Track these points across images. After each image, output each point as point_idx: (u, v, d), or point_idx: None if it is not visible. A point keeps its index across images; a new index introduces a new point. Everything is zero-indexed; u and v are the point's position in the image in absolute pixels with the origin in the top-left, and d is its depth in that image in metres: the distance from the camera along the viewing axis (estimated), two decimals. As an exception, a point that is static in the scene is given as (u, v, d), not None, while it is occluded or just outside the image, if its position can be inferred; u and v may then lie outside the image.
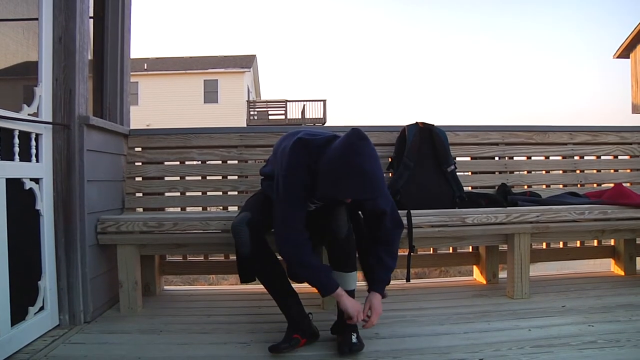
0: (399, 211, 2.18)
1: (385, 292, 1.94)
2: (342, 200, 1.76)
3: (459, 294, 2.57)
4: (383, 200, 1.89)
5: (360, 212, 2.00)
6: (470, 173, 2.84)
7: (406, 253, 2.32)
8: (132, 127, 2.80)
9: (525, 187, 2.84)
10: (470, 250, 2.95)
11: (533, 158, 2.90)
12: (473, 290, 2.65)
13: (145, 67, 21.30)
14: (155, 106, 20.49)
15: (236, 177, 2.74)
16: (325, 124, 19.50)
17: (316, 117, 20.31)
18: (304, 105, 20.68)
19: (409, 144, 2.60)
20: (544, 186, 2.86)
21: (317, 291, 1.83)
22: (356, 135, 1.68)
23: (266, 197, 1.98)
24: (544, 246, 3.02)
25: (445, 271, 4.83)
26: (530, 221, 2.38)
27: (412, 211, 2.29)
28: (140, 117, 15.86)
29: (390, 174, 2.73)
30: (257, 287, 2.67)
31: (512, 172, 2.83)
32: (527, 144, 2.87)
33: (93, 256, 2.20)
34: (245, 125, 19.87)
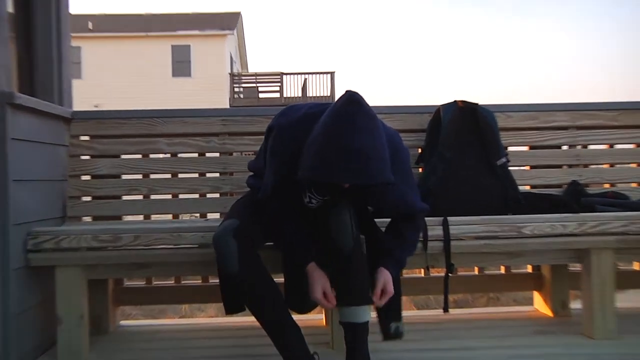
0: (431, 218, 2.21)
1: (402, 327, 1.98)
2: (333, 189, 1.81)
3: (515, 329, 2.58)
4: (397, 189, 1.93)
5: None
6: (528, 167, 2.84)
7: (442, 274, 2.33)
8: (75, 108, 2.83)
9: (606, 186, 2.83)
10: (530, 270, 2.95)
11: (617, 146, 2.89)
12: (535, 325, 2.66)
13: (91, 27, 21.34)
14: (105, 80, 20.57)
15: (217, 175, 2.75)
16: (335, 104, 19.49)
17: (321, 94, 20.35)
18: (305, 79, 20.73)
19: (445, 129, 2.61)
20: (633, 184, 2.85)
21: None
22: (345, 100, 1.71)
23: (258, 200, 2.00)
24: (637, 267, 2.99)
25: (495, 299, 4.82)
26: (614, 232, 2.36)
27: (449, 218, 2.30)
28: (85, 94, 15.88)
29: (420, 170, 2.73)
30: (247, 319, 2.68)
31: (586, 166, 2.83)
32: (609, 128, 2.87)
33: (20, 283, 2.19)
34: (228, 107, 19.93)
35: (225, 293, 2.00)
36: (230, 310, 2.02)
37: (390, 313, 2.01)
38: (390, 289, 1.94)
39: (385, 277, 1.94)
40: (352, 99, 1.72)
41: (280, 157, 1.91)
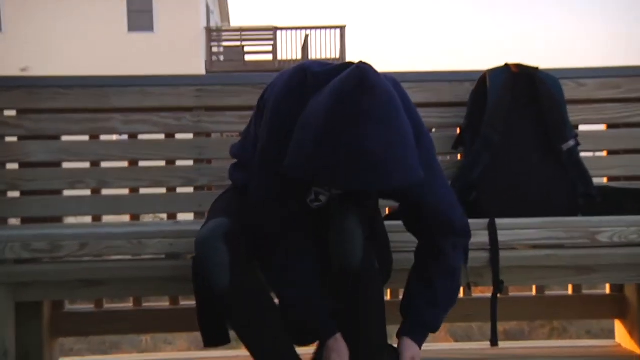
0: (474, 220, 2.22)
1: None
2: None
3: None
4: (428, 194, 1.95)
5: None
6: (605, 153, 2.85)
7: (489, 295, 2.35)
8: (-2, 71, 2.86)
9: None
10: (607, 291, 2.96)
11: None
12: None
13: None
14: (35, 35, 20.48)
15: (191, 163, 2.78)
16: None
17: (328, 56, 20.33)
18: (307, 35, 20.71)
19: (492, 102, 2.62)
20: None
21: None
22: (355, 80, 1.69)
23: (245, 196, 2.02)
24: None
25: (561, 329, 4.83)
26: None
27: (498, 221, 2.31)
28: (7, 54, 15.73)
29: (458, 156, 2.74)
30: (230, 352, 2.71)
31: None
32: None
33: None
34: (204, 73, 19.94)
35: (205, 318, 2.02)
36: (210, 342, 2.04)
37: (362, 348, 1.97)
38: None
39: (412, 353, 1.96)
40: (363, 83, 1.68)
41: (277, 141, 1.91)
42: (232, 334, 2.02)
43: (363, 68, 1.70)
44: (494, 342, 2.35)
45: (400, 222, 2.15)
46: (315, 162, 1.70)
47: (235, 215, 1.97)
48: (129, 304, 2.89)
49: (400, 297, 2.11)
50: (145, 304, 2.90)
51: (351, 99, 1.67)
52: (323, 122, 1.70)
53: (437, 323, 2.05)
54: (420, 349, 2.00)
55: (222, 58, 21.17)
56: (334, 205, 1.94)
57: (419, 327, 2.01)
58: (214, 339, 2.04)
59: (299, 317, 1.96)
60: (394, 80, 1.93)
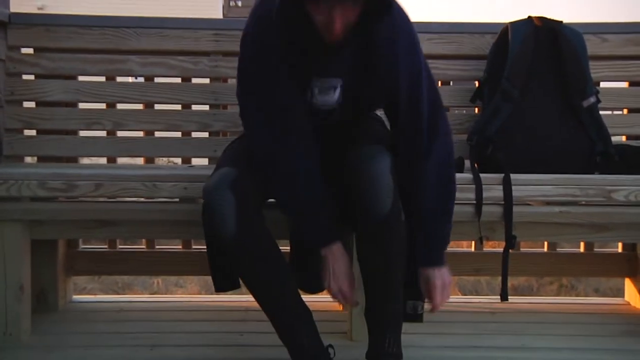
0: (489, 175, 2.22)
1: (421, 307, 2.03)
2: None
3: (597, 328, 2.61)
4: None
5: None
6: (625, 111, 2.84)
7: (500, 249, 2.35)
8: (13, 8, 2.82)
9: None
10: (620, 249, 2.97)
11: None
12: (625, 323, 2.68)
13: None
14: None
15: (207, 108, 2.79)
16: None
17: None
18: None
19: (513, 56, 2.59)
20: None
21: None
22: None
23: None
24: None
25: (570, 287, 4.84)
26: None
27: (513, 176, 2.30)
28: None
29: (476, 110, 2.73)
30: (240, 298, 2.74)
31: None
32: None
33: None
34: (221, 17, 19.77)
35: (214, 264, 2.04)
36: (221, 287, 2.06)
37: (407, 288, 2.04)
38: (448, 289, 1.98)
39: (437, 275, 1.96)
40: None
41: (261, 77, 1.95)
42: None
43: None
44: (504, 297, 2.36)
45: None
46: None
47: (244, 164, 1.97)
48: (141, 246, 2.92)
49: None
50: (158, 247, 2.93)
51: None
52: None
53: (448, 234, 2.02)
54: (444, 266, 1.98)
55: (239, 3, 20.95)
56: (362, 147, 1.93)
57: (436, 247, 1.99)
58: (224, 284, 2.06)
59: (298, 221, 2.01)
60: None
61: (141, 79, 2.82)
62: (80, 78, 2.77)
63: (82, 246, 2.91)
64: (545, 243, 2.94)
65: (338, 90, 1.99)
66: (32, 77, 2.75)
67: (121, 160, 2.90)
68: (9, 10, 2.75)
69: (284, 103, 1.96)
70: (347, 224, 1.99)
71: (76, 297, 3.01)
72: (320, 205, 1.94)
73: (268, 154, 1.96)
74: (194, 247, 2.87)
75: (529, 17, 2.66)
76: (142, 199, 2.34)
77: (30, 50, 2.76)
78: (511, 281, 3.69)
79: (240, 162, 1.99)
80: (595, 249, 2.98)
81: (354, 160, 1.90)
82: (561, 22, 2.66)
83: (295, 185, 1.95)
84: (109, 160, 2.87)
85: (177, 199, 2.32)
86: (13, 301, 2.33)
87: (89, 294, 3.89)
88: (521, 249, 2.93)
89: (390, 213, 1.88)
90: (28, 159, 2.78)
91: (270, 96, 1.95)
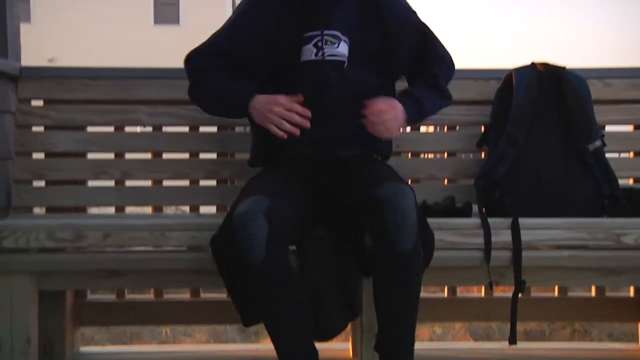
0: (497, 219, 2.25)
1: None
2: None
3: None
4: None
5: None
6: (631, 155, 2.83)
7: (509, 294, 2.34)
8: (24, 62, 2.86)
9: None
10: (632, 294, 2.94)
11: None
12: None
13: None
14: (63, 25, 20.59)
15: (214, 156, 2.79)
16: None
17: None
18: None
19: (518, 101, 2.60)
20: None
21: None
22: None
23: (285, 176, 2.11)
24: None
25: (582, 331, 4.80)
26: None
27: (521, 220, 2.31)
28: (36, 44, 15.87)
29: (482, 155, 2.73)
30: (248, 347, 2.72)
31: None
32: None
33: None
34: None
35: (240, 293, 2.06)
36: (248, 320, 2.08)
37: (395, 332, 2.02)
38: (386, 107, 2.14)
39: (395, 108, 2.18)
40: None
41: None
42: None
43: None
44: (512, 341, 2.35)
45: None
46: None
47: (277, 195, 2.01)
48: (149, 295, 2.91)
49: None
50: (166, 296, 2.92)
51: None
52: None
53: (429, 108, 2.31)
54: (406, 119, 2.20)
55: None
56: (388, 183, 1.99)
57: (411, 98, 2.26)
58: (251, 316, 2.08)
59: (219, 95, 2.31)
60: None
61: (149, 128, 2.83)
62: (89, 128, 2.79)
63: (90, 296, 2.90)
64: (556, 287, 2.92)
65: (343, 43, 2.07)
66: (41, 128, 2.77)
67: (129, 209, 2.91)
68: (20, 64, 2.79)
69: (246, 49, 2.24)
70: (353, 260, 2.02)
71: (84, 348, 2.99)
72: (233, 80, 2.27)
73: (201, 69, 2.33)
74: (202, 295, 2.85)
75: (533, 63, 2.68)
76: (150, 248, 2.33)
77: (40, 102, 2.79)
78: (523, 326, 3.66)
79: (273, 192, 2.03)
80: (607, 293, 2.96)
81: (381, 194, 1.93)
82: (564, 67, 2.67)
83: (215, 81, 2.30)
84: (117, 210, 2.87)
85: (184, 248, 2.32)
86: (20, 354, 2.31)
87: (97, 345, 3.86)
88: (532, 294, 2.90)
89: (413, 249, 1.92)
90: (37, 210, 2.78)
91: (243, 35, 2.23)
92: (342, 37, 2.17)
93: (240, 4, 2.33)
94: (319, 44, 2.14)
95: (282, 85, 2.20)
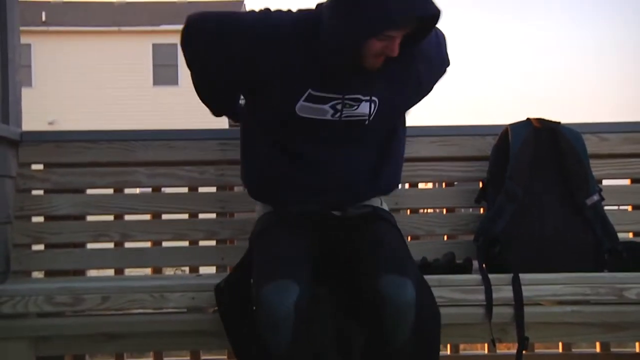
0: (498, 275, 2.23)
1: None
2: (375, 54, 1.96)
3: None
4: None
5: None
6: (630, 208, 2.85)
7: (514, 351, 2.32)
8: (25, 126, 2.90)
9: None
10: (637, 349, 2.91)
11: None
12: None
13: (44, 19, 21.57)
14: (63, 89, 20.72)
15: (214, 216, 2.80)
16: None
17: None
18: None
19: (515, 157, 2.62)
20: None
21: None
22: None
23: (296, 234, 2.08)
24: None
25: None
26: None
27: (522, 276, 2.31)
28: (36, 108, 15.97)
29: (481, 211, 2.75)
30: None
31: None
32: None
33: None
34: (227, 127, 20.04)
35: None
36: None
37: None
38: None
39: None
40: None
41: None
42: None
43: None
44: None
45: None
46: (357, 15, 1.87)
47: (305, 272, 1.97)
48: (149, 358, 2.89)
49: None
50: (166, 358, 2.89)
51: None
52: None
53: None
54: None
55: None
56: (390, 273, 1.93)
57: None
58: None
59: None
60: None
61: (149, 190, 2.84)
62: (89, 191, 2.80)
63: (89, 360, 2.88)
64: (560, 343, 2.90)
65: (364, 104, 2.09)
66: (41, 192, 2.78)
67: (129, 271, 2.90)
68: (20, 129, 2.83)
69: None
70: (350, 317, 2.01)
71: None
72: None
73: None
74: (202, 357, 2.83)
75: (528, 118, 2.70)
76: (149, 310, 2.33)
77: (40, 166, 2.81)
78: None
79: (301, 276, 1.96)
80: (612, 349, 2.93)
81: (381, 289, 1.91)
82: (559, 122, 2.70)
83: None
84: (116, 272, 2.87)
85: (185, 309, 2.31)
86: None
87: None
88: (535, 350, 2.89)
89: (406, 343, 1.91)
90: (35, 273, 2.78)
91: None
92: (363, 98, 2.11)
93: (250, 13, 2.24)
94: (338, 106, 2.11)
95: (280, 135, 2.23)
